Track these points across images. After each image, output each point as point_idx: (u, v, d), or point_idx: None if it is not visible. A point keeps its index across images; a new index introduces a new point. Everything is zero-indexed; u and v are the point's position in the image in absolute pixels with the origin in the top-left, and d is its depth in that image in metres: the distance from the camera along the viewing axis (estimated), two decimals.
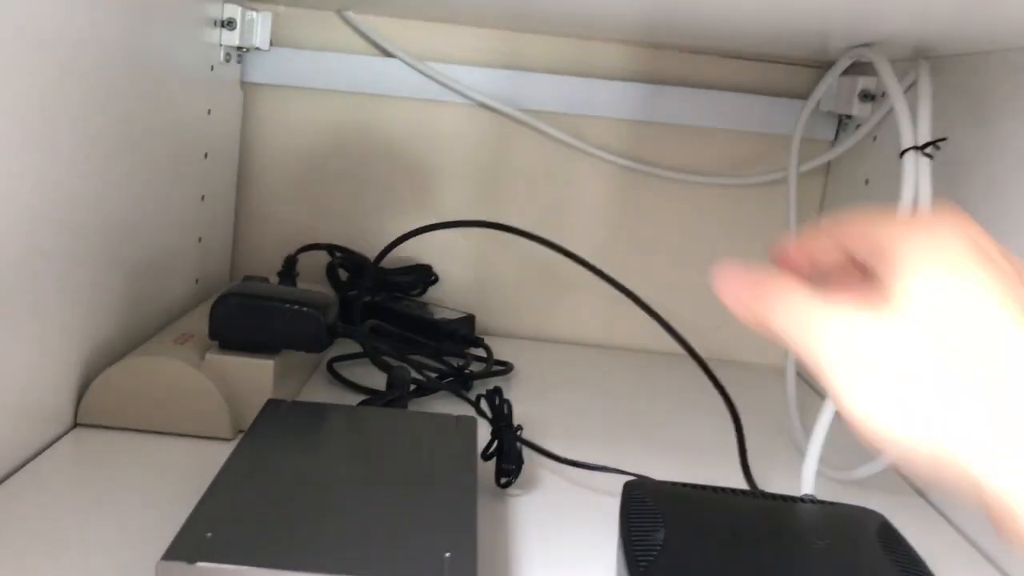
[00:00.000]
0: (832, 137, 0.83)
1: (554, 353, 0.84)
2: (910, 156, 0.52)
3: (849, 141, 0.76)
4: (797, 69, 0.84)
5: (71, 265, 0.52)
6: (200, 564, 0.35)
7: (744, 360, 0.89)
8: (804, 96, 0.82)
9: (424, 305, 0.84)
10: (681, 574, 0.38)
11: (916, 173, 0.52)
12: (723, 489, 0.47)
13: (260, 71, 0.82)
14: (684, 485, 0.47)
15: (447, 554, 0.38)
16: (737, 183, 0.85)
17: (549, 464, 0.58)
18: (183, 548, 0.36)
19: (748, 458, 0.56)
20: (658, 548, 0.40)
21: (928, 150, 0.52)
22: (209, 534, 0.37)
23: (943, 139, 0.54)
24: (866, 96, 0.75)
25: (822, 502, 0.48)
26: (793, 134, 0.73)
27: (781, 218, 0.86)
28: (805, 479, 0.51)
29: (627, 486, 0.46)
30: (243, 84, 0.82)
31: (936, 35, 0.54)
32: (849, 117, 0.80)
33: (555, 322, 0.89)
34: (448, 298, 0.88)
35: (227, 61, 0.76)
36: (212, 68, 0.73)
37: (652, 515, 0.43)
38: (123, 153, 0.58)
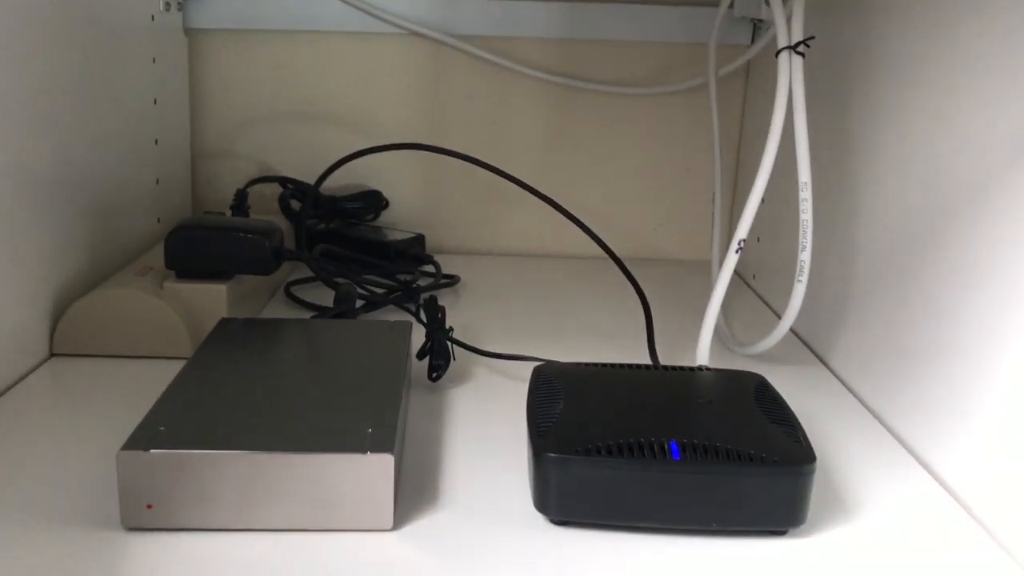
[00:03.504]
0: (749, 41, 0.87)
1: (501, 265, 0.89)
2: (784, 55, 0.57)
3: (760, 44, 0.80)
4: None
5: (34, 210, 0.58)
6: (153, 451, 0.41)
7: (681, 258, 0.94)
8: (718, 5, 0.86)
9: (378, 229, 0.89)
10: (573, 433, 0.44)
11: (790, 69, 0.57)
12: (622, 365, 0.53)
13: (202, 17, 0.86)
14: (587, 364, 0.53)
15: (369, 429, 0.44)
16: (663, 91, 0.89)
17: (480, 360, 0.64)
18: (139, 440, 0.42)
19: (655, 339, 0.62)
20: (557, 416, 0.46)
21: (800, 48, 0.57)
22: (162, 428, 0.43)
23: (811, 37, 0.58)
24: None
25: (712, 370, 0.54)
26: (710, 41, 0.77)
27: (706, 121, 0.91)
28: (700, 351, 0.57)
29: (536, 369, 0.52)
30: (187, 30, 0.86)
31: None
32: (761, 21, 0.84)
33: (503, 236, 0.94)
34: (401, 221, 0.93)
35: (167, 10, 0.80)
36: (153, 18, 0.77)
37: (554, 390, 0.49)
38: (72, 104, 0.62)
